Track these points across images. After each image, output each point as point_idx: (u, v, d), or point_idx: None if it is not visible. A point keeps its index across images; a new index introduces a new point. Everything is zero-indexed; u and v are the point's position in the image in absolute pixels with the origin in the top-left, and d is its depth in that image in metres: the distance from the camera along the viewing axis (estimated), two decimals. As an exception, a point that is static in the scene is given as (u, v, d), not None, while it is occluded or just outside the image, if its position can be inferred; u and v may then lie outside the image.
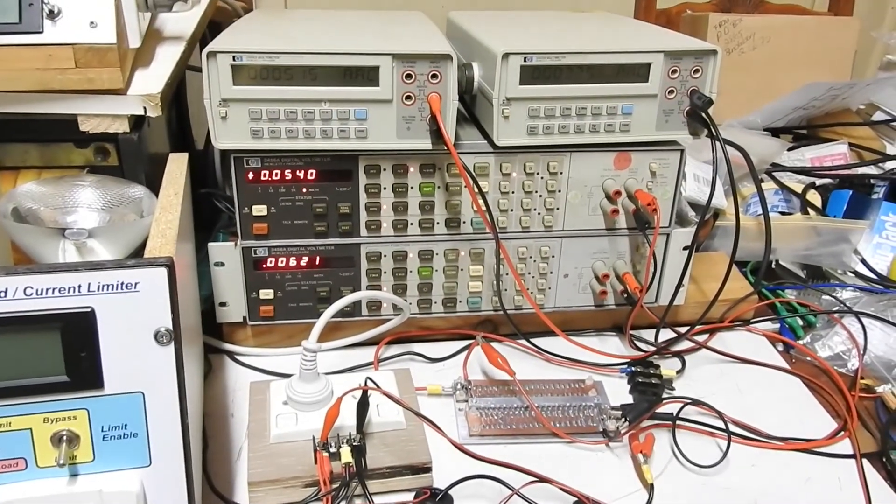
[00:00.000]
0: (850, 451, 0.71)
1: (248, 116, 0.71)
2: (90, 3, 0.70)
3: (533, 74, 0.73)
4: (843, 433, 0.74)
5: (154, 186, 0.69)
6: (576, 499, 0.63)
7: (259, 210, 0.76)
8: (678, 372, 0.82)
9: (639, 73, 0.75)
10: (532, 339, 0.84)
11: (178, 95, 0.99)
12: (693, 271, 0.87)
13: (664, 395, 0.77)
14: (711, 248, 1.02)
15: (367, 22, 0.85)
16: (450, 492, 0.63)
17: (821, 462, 0.71)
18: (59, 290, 0.46)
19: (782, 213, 1.09)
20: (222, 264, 0.79)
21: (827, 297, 0.95)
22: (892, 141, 1.29)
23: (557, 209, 0.81)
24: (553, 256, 0.83)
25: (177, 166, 0.71)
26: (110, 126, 0.73)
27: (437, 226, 0.80)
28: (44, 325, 0.46)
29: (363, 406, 0.65)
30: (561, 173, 0.79)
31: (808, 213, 1.08)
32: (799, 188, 1.12)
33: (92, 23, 0.69)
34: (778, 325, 0.92)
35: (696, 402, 0.75)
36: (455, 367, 0.81)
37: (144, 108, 0.73)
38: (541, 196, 0.80)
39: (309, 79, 0.70)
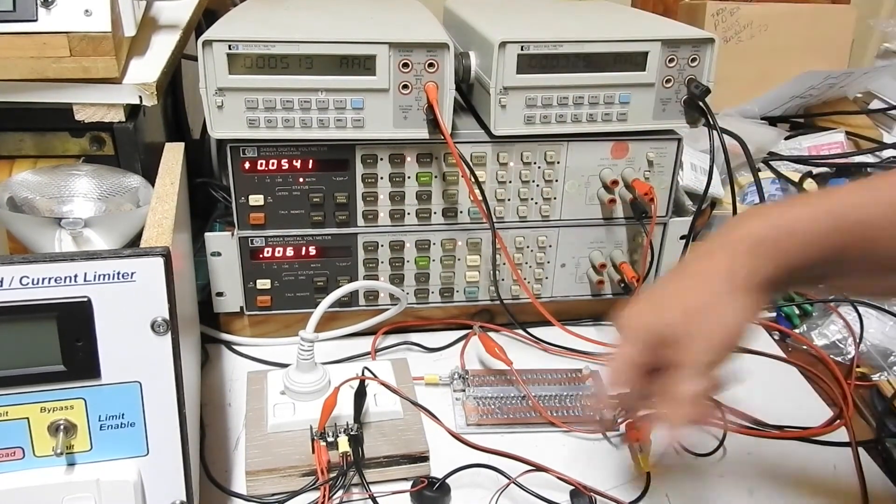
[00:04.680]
0: (846, 440, 0.72)
1: (244, 105, 0.71)
2: (85, -9, 0.69)
3: (530, 63, 0.73)
4: (838, 421, 0.74)
5: (150, 176, 0.69)
6: (573, 487, 0.63)
7: (256, 200, 0.76)
8: (675, 361, 0.82)
9: (636, 61, 0.75)
10: (529, 329, 0.84)
11: (173, 84, 0.98)
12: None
13: (661, 384, 0.77)
14: (709, 238, 1.02)
15: (363, 10, 0.85)
16: (447, 481, 0.63)
17: (817, 450, 0.71)
18: (56, 280, 0.45)
19: (779, 203, 1.09)
20: (219, 254, 0.79)
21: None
22: (889, 129, 1.29)
23: (554, 199, 0.81)
24: (550, 246, 0.83)
25: (173, 155, 0.71)
26: (106, 115, 0.73)
27: (434, 215, 0.80)
28: (40, 314, 0.46)
29: (360, 396, 0.65)
30: (558, 163, 0.79)
31: (804, 202, 1.08)
32: (796, 177, 1.12)
33: (86, 11, 0.68)
34: (774, 314, 0.92)
35: (692, 391, 0.75)
36: (452, 356, 0.81)
37: (140, 96, 0.73)
38: (538, 185, 0.80)
39: (305, 68, 0.70)
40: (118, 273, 0.46)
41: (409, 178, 0.77)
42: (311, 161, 0.75)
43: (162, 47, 0.80)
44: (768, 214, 0.51)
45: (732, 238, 0.51)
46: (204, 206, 0.90)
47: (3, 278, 0.45)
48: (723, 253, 0.51)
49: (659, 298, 0.54)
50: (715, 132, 0.76)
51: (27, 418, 0.48)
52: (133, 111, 0.75)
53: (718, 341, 0.51)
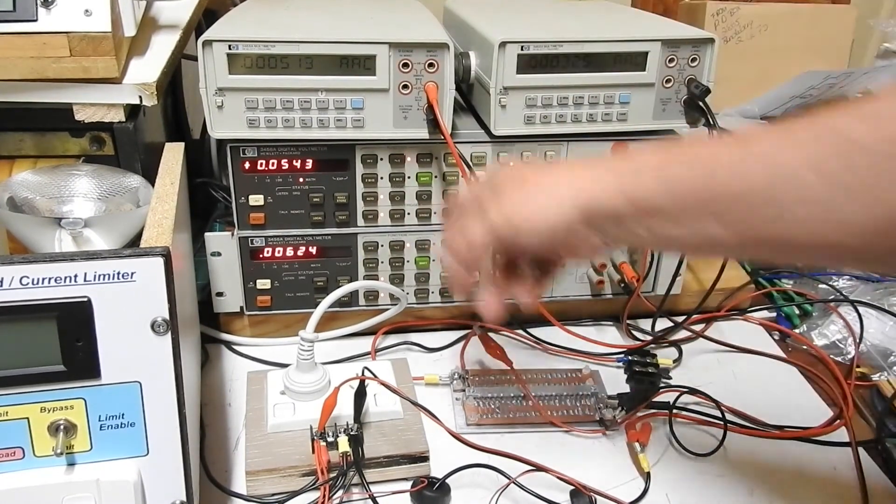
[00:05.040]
0: (846, 440, 0.72)
1: (244, 105, 0.71)
2: (85, -9, 0.69)
3: (530, 63, 0.73)
4: (838, 421, 0.74)
5: (150, 176, 0.69)
6: (573, 487, 0.63)
7: (256, 200, 0.76)
8: (675, 361, 0.82)
9: (636, 61, 0.75)
10: (529, 329, 0.84)
11: (173, 84, 0.98)
12: (690, 261, 0.87)
13: (661, 385, 0.77)
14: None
15: (363, 10, 0.85)
16: (447, 481, 0.63)
17: (817, 450, 0.71)
18: (56, 280, 0.45)
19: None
20: (219, 254, 0.79)
21: (823, 286, 0.95)
22: (889, 130, 1.29)
23: (554, 198, 0.81)
24: (550, 246, 0.83)
25: (173, 155, 0.71)
26: (106, 115, 0.73)
27: (434, 215, 0.80)
28: (40, 314, 0.46)
29: (360, 396, 0.65)
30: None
31: (804, 202, 1.08)
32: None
33: (87, 11, 0.68)
34: (774, 314, 0.92)
35: (692, 391, 0.75)
36: (452, 356, 0.81)
37: (140, 96, 0.73)
38: (538, 185, 0.80)
39: (305, 68, 0.70)
40: (118, 273, 0.46)
41: (409, 178, 0.77)
42: (311, 161, 0.75)
43: (162, 47, 0.80)
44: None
45: (602, 162, 0.52)
46: (204, 206, 0.90)
47: (3, 278, 0.45)
48: (586, 171, 0.51)
49: (518, 169, 0.57)
50: (715, 132, 0.76)
51: (27, 418, 0.48)
52: (133, 111, 0.75)
53: (523, 216, 0.51)
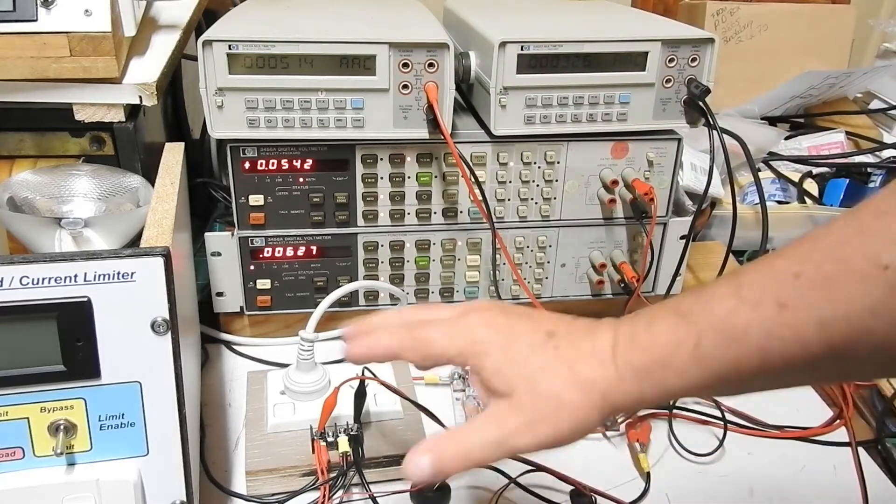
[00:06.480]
0: (846, 440, 0.72)
1: (244, 105, 0.71)
2: (85, -10, 0.69)
3: (530, 63, 0.73)
4: (838, 421, 0.74)
5: (150, 176, 0.69)
6: (573, 487, 0.63)
7: (256, 200, 0.76)
8: (675, 361, 0.82)
9: (636, 61, 0.75)
10: (529, 329, 0.84)
11: (173, 84, 0.98)
12: (690, 261, 0.87)
13: (661, 384, 0.77)
14: (708, 238, 1.02)
15: (363, 10, 0.85)
16: (447, 481, 0.63)
17: (817, 450, 0.71)
18: (56, 280, 0.45)
19: (779, 202, 1.09)
20: (219, 254, 0.79)
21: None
22: (889, 129, 1.29)
23: (554, 199, 0.81)
24: (550, 246, 0.83)
25: (173, 156, 0.71)
26: (106, 115, 0.73)
27: (434, 215, 0.80)
28: (40, 314, 0.46)
29: (360, 396, 0.66)
30: (558, 163, 0.79)
31: (804, 202, 1.08)
32: (796, 177, 1.12)
33: (86, 11, 0.68)
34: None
35: (692, 391, 0.75)
36: (452, 356, 0.81)
37: (140, 96, 0.73)
38: (538, 185, 0.80)
39: (305, 67, 0.70)
40: (118, 273, 0.46)
41: (409, 178, 0.77)
42: (311, 161, 0.75)
43: (162, 47, 0.80)
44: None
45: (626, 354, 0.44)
46: (204, 206, 0.90)
47: (3, 278, 0.45)
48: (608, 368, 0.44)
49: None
50: (715, 132, 0.76)
51: (27, 418, 0.48)
52: (133, 111, 0.75)
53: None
